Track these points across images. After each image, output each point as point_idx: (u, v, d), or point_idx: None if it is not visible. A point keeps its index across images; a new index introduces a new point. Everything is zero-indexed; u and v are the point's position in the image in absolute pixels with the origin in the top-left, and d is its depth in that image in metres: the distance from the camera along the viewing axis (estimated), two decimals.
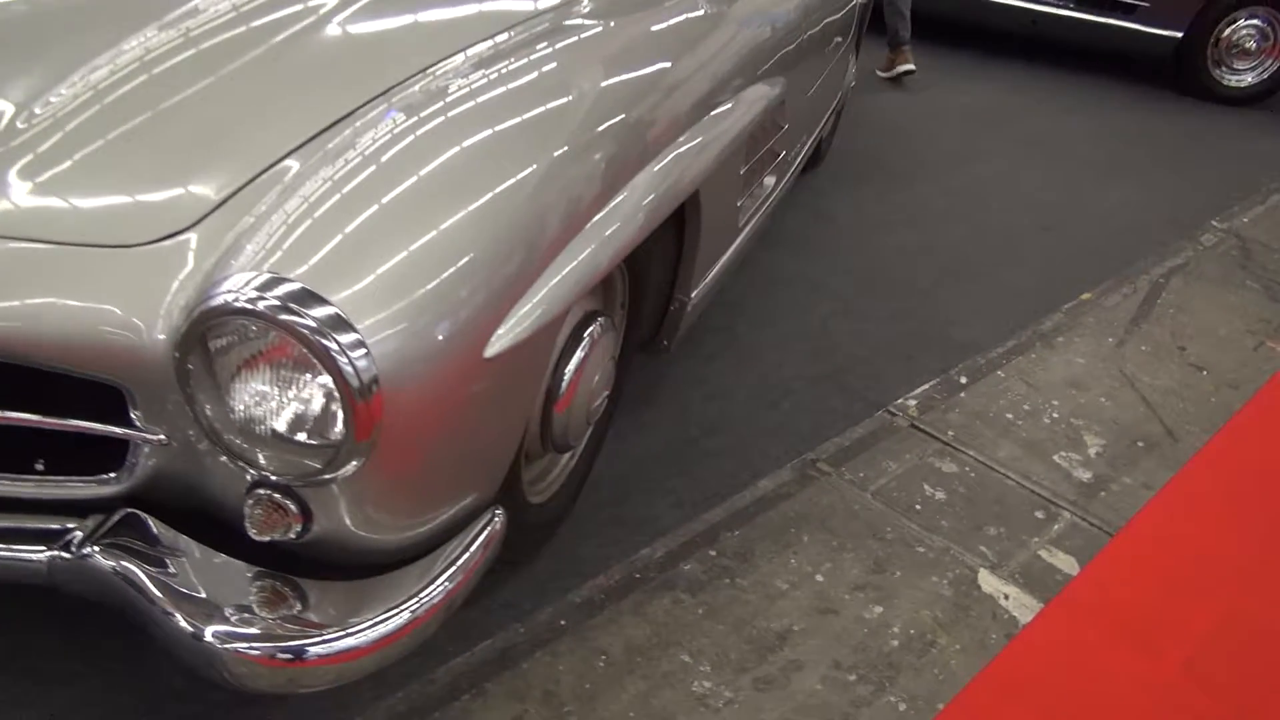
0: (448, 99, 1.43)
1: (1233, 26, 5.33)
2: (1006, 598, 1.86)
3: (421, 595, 1.24)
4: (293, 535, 1.19)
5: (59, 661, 1.51)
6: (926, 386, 2.51)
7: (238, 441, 1.14)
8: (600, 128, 1.51)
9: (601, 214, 1.45)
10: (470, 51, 1.59)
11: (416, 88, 1.47)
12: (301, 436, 1.13)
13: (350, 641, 1.18)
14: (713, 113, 1.87)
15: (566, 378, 1.56)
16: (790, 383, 2.47)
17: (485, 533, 1.34)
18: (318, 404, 1.11)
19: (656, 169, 1.62)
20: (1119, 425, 2.44)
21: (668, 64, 1.79)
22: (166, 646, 1.17)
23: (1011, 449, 2.30)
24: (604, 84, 1.61)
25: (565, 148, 1.42)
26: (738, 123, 1.95)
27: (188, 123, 1.40)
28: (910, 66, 4.89)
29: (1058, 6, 5.43)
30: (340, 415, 1.09)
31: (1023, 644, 1.77)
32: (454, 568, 1.28)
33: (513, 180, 1.31)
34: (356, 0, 1.70)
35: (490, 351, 1.20)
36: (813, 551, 1.90)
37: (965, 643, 1.75)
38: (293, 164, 1.30)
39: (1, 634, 1.54)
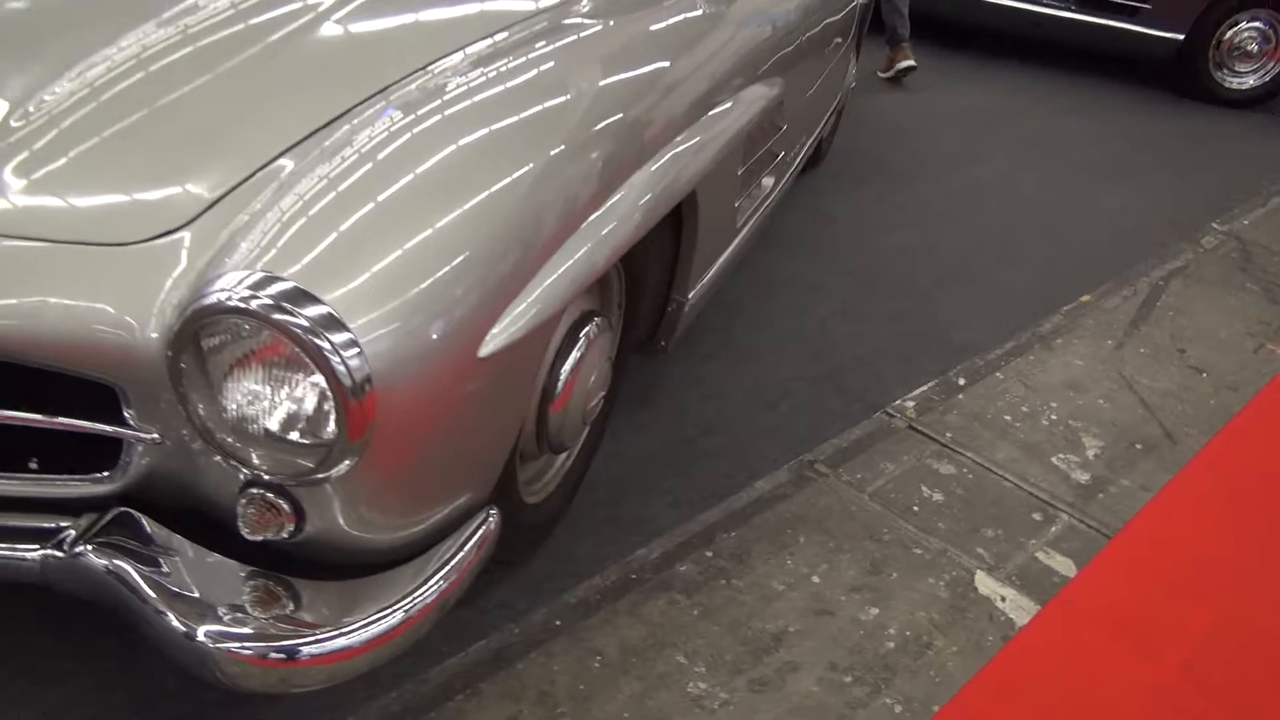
0: (445, 97, 1.42)
1: (1234, 29, 5.32)
2: (1003, 600, 1.86)
3: (415, 595, 1.23)
4: (285, 535, 1.18)
5: (52, 660, 1.51)
6: (925, 388, 2.50)
7: (230, 441, 1.14)
8: (597, 127, 1.51)
9: (598, 213, 1.44)
10: (468, 50, 1.59)
11: (414, 86, 1.47)
12: (294, 436, 1.13)
13: (343, 641, 1.18)
14: (711, 113, 1.86)
15: (562, 378, 1.55)
16: (788, 384, 2.46)
17: (479, 533, 1.33)
18: (310, 403, 1.11)
19: (653, 169, 1.61)
20: (1117, 427, 2.44)
21: (666, 63, 1.78)
22: (159, 646, 1.16)
23: (1009, 451, 2.30)
24: (602, 83, 1.61)
25: (562, 146, 1.42)
26: (736, 123, 1.95)
27: (184, 120, 1.40)
28: (911, 62, 4.87)
29: (1059, 8, 5.43)
30: (333, 414, 1.09)
31: (1019, 646, 1.76)
32: (448, 567, 1.28)
33: (509, 179, 1.31)
34: None
35: (484, 351, 1.20)
36: (809, 553, 1.90)
37: (962, 644, 1.75)
38: (288, 162, 1.30)
39: None
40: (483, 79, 1.49)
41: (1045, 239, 3.58)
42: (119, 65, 1.47)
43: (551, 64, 1.60)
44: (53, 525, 1.23)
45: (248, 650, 1.14)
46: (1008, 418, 2.42)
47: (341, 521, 1.19)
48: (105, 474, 1.25)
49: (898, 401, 2.42)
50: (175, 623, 1.14)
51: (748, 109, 2.02)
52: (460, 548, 1.30)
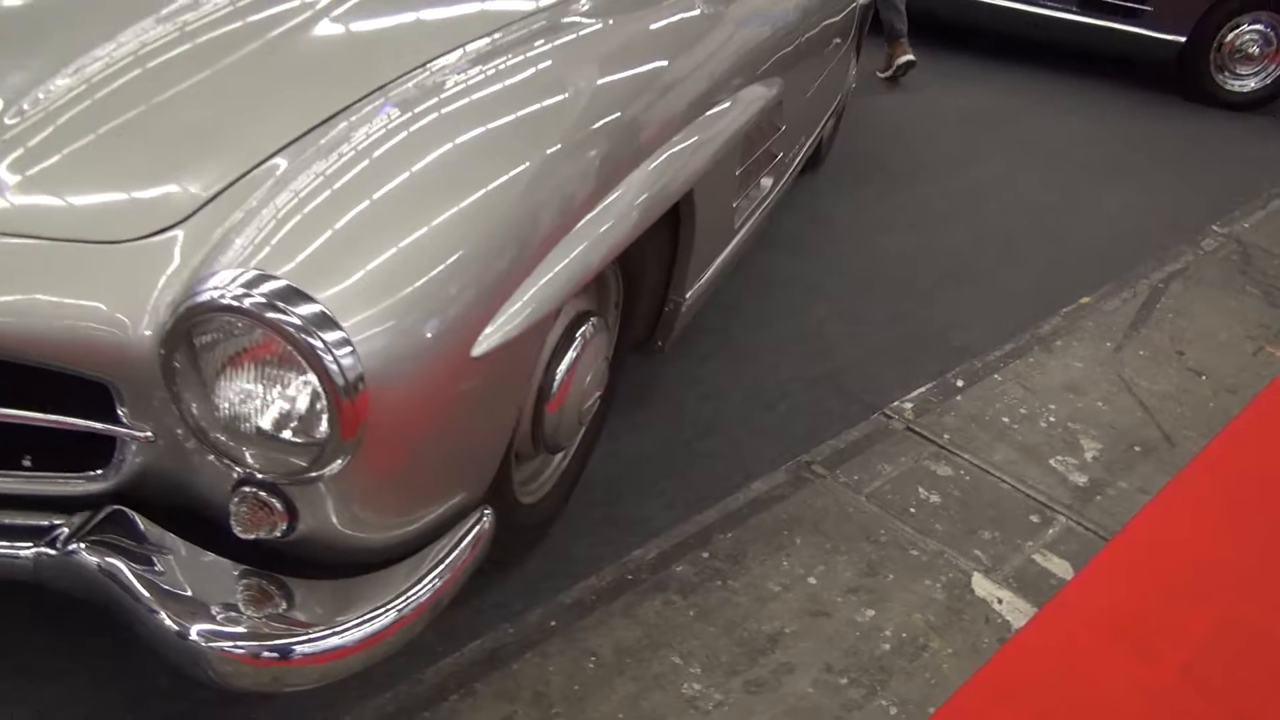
0: (442, 95, 1.42)
1: (1236, 31, 5.32)
2: (1000, 602, 1.86)
3: (408, 594, 1.23)
4: (278, 534, 1.18)
5: (46, 658, 1.51)
6: (923, 389, 2.50)
7: (223, 439, 1.13)
8: (595, 126, 1.51)
9: (593, 213, 1.44)
10: (467, 48, 1.58)
11: (412, 84, 1.47)
12: (287, 434, 1.13)
13: (336, 640, 1.18)
14: (709, 113, 1.86)
15: (558, 378, 1.55)
16: (786, 384, 2.46)
17: (474, 532, 1.33)
18: (303, 402, 1.11)
19: (650, 168, 1.61)
20: (1116, 430, 2.43)
21: (664, 63, 1.78)
22: (152, 644, 1.16)
23: (1007, 453, 2.29)
24: (599, 82, 1.61)
25: (559, 145, 1.42)
26: (734, 123, 1.94)
27: (180, 118, 1.40)
28: (910, 57, 4.86)
29: (1061, 10, 5.42)
30: (325, 413, 1.09)
31: (1016, 648, 1.76)
32: (441, 566, 1.28)
33: (505, 177, 1.31)
34: None
35: (478, 350, 1.20)
36: (805, 554, 1.90)
37: (958, 646, 1.74)
38: (284, 159, 1.30)
39: None
40: (481, 77, 1.49)
41: (1045, 241, 3.57)
42: (116, 62, 1.47)
43: (549, 63, 1.60)
44: (46, 523, 1.22)
45: (240, 649, 1.14)
46: (1006, 419, 2.42)
47: (334, 520, 1.19)
48: (99, 472, 1.25)
49: (896, 403, 2.42)
50: (168, 621, 1.14)
51: (746, 109, 2.02)
52: (454, 547, 1.30)
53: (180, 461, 1.21)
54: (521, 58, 1.57)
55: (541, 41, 1.63)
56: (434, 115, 1.38)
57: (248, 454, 1.14)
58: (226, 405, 1.12)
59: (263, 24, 1.61)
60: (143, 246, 1.19)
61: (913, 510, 2.06)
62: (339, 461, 1.11)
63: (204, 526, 1.24)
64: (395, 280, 1.14)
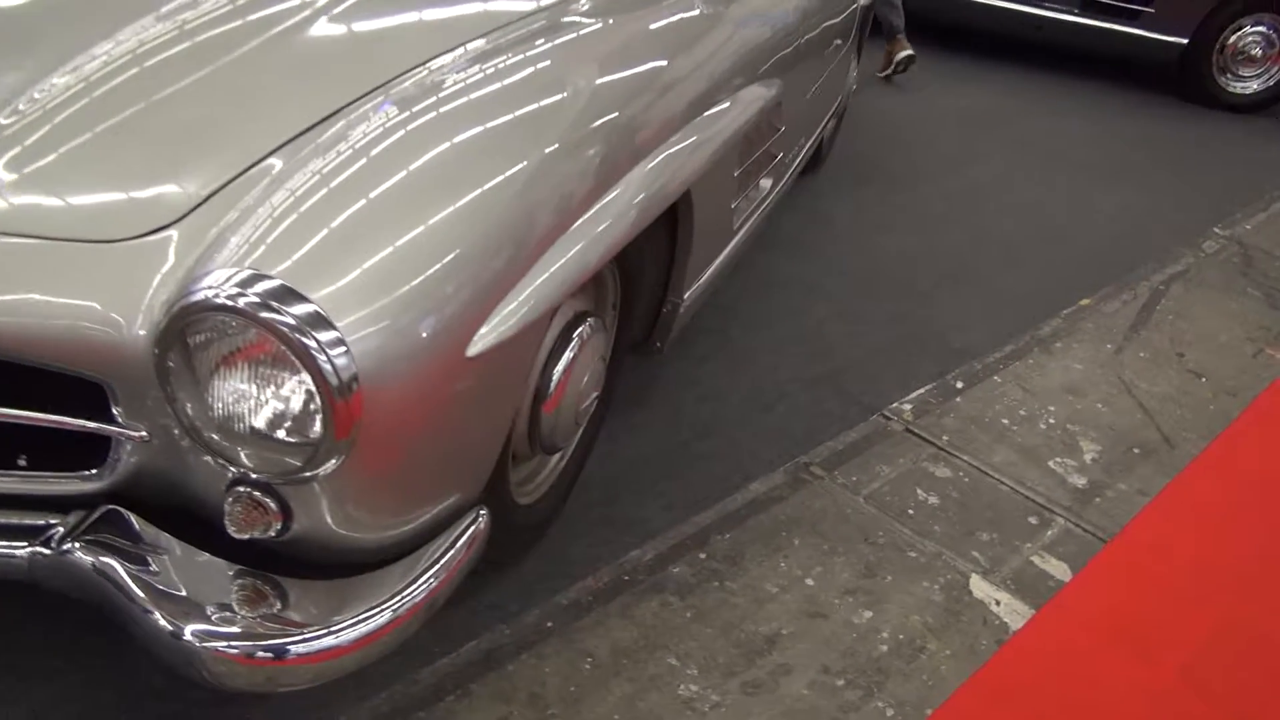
0: (441, 94, 1.42)
1: (1238, 33, 5.31)
2: (998, 604, 1.85)
3: (403, 594, 1.23)
4: (272, 533, 1.18)
5: (40, 657, 1.51)
6: (922, 391, 2.50)
7: (217, 438, 1.13)
8: (593, 125, 1.51)
9: (590, 212, 1.44)
10: (466, 47, 1.58)
11: (410, 83, 1.46)
12: (281, 434, 1.13)
13: (330, 640, 1.17)
14: (707, 113, 1.86)
15: (555, 378, 1.55)
16: (785, 386, 2.46)
17: (469, 532, 1.33)
18: (297, 402, 1.11)
19: (648, 168, 1.61)
20: (1115, 431, 2.43)
21: (663, 63, 1.78)
22: (146, 644, 1.16)
23: (1006, 454, 2.29)
24: (598, 82, 1.60)
25: (557, 145, 1.41)
26: (733, 124, 1.94)
27: (177, 116, 1.40)
28: (909, 52, 4.85)
29: (1063, 12, 5.42)
30: (319, 413, 1.08)
31: (1013, 650, 1.76)
32: (437, 567, 1.27)
33: (503, 176, 1.31)
34: None
35: (473, 350, 1.20)
36: (803, 555, 1.89)
37: (955, 648, 1.74)
38: (282, 158, 1.30)
39: None
40: (479, 76, 1.49)
41: (1045, 242, 3.57)
42: (114, 61, 1.47)
43: (548, 62, 1.59)
44: (41, 522, 1.22)
45: (234, 649, 1.14)
46: (1005, 421, 2.41)
47: (329, 520, 1.19)
48: (94, 471, 1.24)
49: (895, 404, 2.42)
50: (162, 621, 1.14)
51: (745, 110, 2.02)
52: (449, 547, 1.30)
53: (175, 461, 1.21)
54: (520, 57, 1.56)
55: (541, 41, 1.63)
56: (432, 114, 1.38)
57: (242, 454, 1.14)
58: (221, 405, 1.12)
59: (262, 23, 1.61)
60: (138, 246, 1.19)
61: (911, 512, 2.05)
62: (333, 461, 1.11)
63: (199, 526, 1.23)
64: (391, 279, 1.14)
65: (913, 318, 2.89)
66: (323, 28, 1.62)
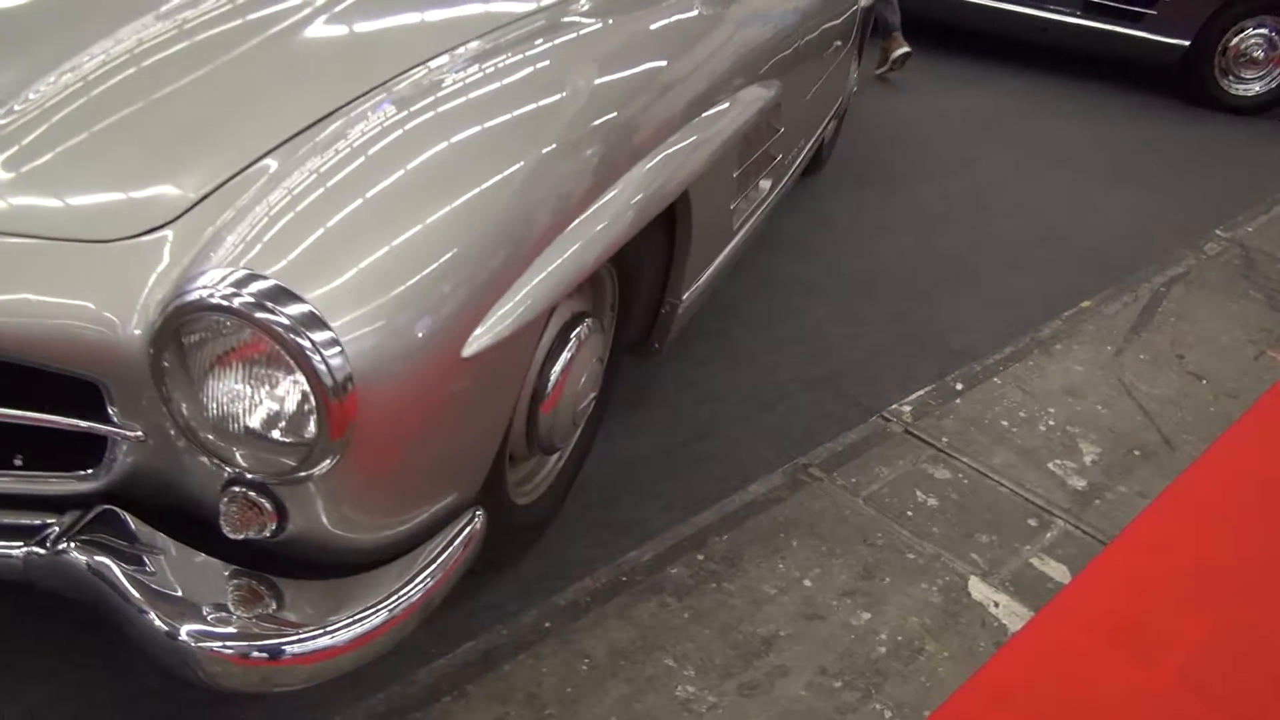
0: (439, 94, 1.42)
1: (1240, 35, 5.31)
2: (996, 605, 1.85)
3: (399, 594, 1.23)
4: (267, 533, 1.18)
5: (35, 657, 1.51)
6: (922, 392, 2.49)
7: (212, 438, 1.13)
8: (591, 125, 1.51)
9: (588, 213, 1.44)
10: (465, 47, 1.58)
11: (409, 82, 1.46)
12: (276, 434, 1.13)
13: (326, 641, 1.17)
14: (706, 113, 1.86)
15: (552, 379, 1.55)
16: (784, 386, 2.45)
17: (465, 532, 1.33)
18: (291, 402, 1.10)
19: (646, 168, 1.61)
20: (1115, 434, 2.42)
21: (662, 63, 1.78)
22: (141, 644, 1.16)
23: (1006, 456, 2.28)
24: (597, 81, 1.60)
25: (555, 144, 1.41)
26: (731, 124, 1.94)
27: (174, 116, 1.40)
28: (906, 49, 4.85)
29: (1065, 14, 5.42)
30: (314, 414, 1.08)
31: (1012, 651, 1.75)
32: (433, 567, 1.27)
33: (500, 175, 1.31)
34: None
35: (468, 351, 1.19)
36: (801, 557, 1.89)
37: (954, 650, 1.73)
38: (279, 158, 1.30)
39: None
40: (478, 76, 1.49)
41: (1045, 244, 3.56)
42: (112, 60, 1.47)
43: (547, 62, 1.59)
44: (37, 522, 1.22)
45: (229, 649, 1.14)
46: (1005, 423, 2.41)
47: (324, 520, 1.19)
48: (89, 471, 1.24)
49: (894, 406, 2.41)
50: (157, 621, 1.14)
51: (744, 110, 2.02)
52: (446, 547, 1.30)
53: (171, 461, 1.21)
54: (519, 57, 1.56)
55: (540, 41, 1.63)
56: (430, 114, 1.38)
57: (237, 453, 1.14)
58: (215, 405, 1.12)
59: (261, 22, 1.61)
60: (133, 245, 1.19)
61: (910, 513, 2.05)
62: (328, 461, 1.11)
63: (195, 526, 1.23)
64: (387, 279, 1.14)
65: (913, 319, 2.89)
66: (322, 27, 1.62)
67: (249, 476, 1.14)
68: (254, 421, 1.12)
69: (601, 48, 1.73)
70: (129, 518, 1.23)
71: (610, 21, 1.81)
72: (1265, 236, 3.78)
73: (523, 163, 1.34)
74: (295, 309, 1.05)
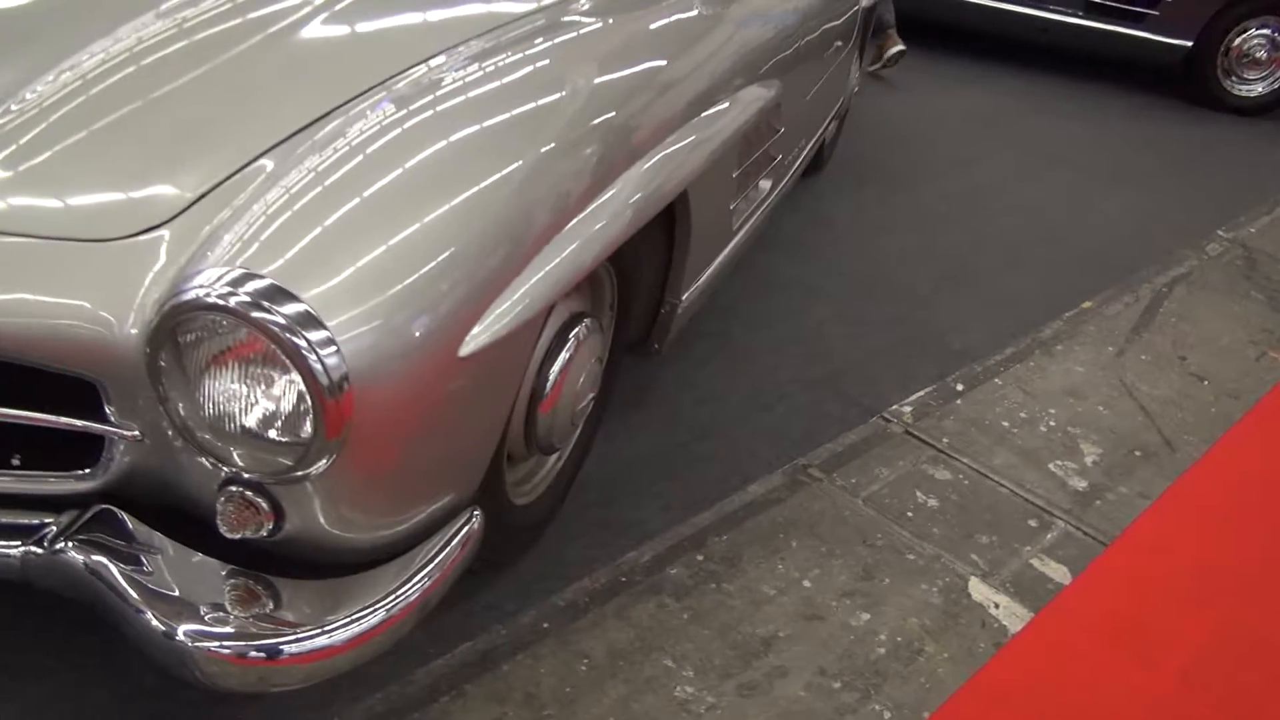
0: (439, 93, 1.42)
1: (1243, 36, 5.30)
2: (996, 606, 1.84)
3: (397, 594, 1.23)
4: (264, 533, 1.18)
5: (32, 656, 1.51)
6: (922, 393, 2.49)
7: (209, 438, 1.13)
8: (590, 124, 1.50)
9: (586, 212, 1.43)
10: (465, 46, 1.58)
11: (408, 81, 1.46)
12: (272, 434, 1.12)
13: (323, 640, 1.17)
14: (706, 113, 1.85)
15: (551, 378, 1.54)
16: (784, 387, 2.45)
17: (463, 532, 1.33)
18: (288, 401, 1.10)
19: (645, 167, 1.61)
20: (1116, 434, 2.42)
21: (662, 63, 1.78)
22: (138, 644, 1.16)
23: (1006, 457, 2.28)
24: (596, 81, 1.60)
25: (554, 143, 1.41)
26: (731, 124, 1.94)
27: (172, 115, 1.40)
28: (900, 47, 4.83)
29: (1068, 15, 5.41)
30: (310, 413, 1.08)
31: (1012, 652, 1.75)
32: (430, 566, 1.27)
33: (499, 174, 1.31)
34: None
35: (466, 350, 1.19)
36: (801, 557, 1.89)
37: (953, 651, 1.73)
38: (277, 157, 1.30)
39: None
40: (478, 74, 1.49)
41: (1046, 244, 3.56)
42: (111, 59, 1.47)
43: (546, 61, 1.59)
44: (34, 522, 1.22)
45: (227, 649, 1.14)
46: (1006, 424, 2.40)
47: (321, 520, 1.19)
48: (87, 471, 1.24)
49: (894, 406, 2.41)
50: (155, 621, 1.14)
51: (744, 111, 2.01)
52: (443, 547, 1.30)
53: (168, 460, 1.21)
54: (519, 56, 1.56)
55: (539, 40, 1.63)
56: (429, 112, 1.38)
57: (234, 453, 1.13)
58: (212, 404, 1.11)
59: (260, 21, 1.61)
60: (130, 245, 1.18)
61: (910, 514, 2.05)
62: (324, 461, 1.10)
63: (192, 526, 1.23)
64: (384, 278, 1.14)
65: (913, 319, 2.88)
66: (321, 27, 1.62)
67: (246, 476, 1.14)
68: (250, 421, 1.12)
69: (601, 47, 1.73)
70: (126, 517, 1.23)
71: (610, 21, 1.81)
72: (1267, 237, 3.78)
73: (521, 162, 1.34)
74: (291, 308, 1.05)
